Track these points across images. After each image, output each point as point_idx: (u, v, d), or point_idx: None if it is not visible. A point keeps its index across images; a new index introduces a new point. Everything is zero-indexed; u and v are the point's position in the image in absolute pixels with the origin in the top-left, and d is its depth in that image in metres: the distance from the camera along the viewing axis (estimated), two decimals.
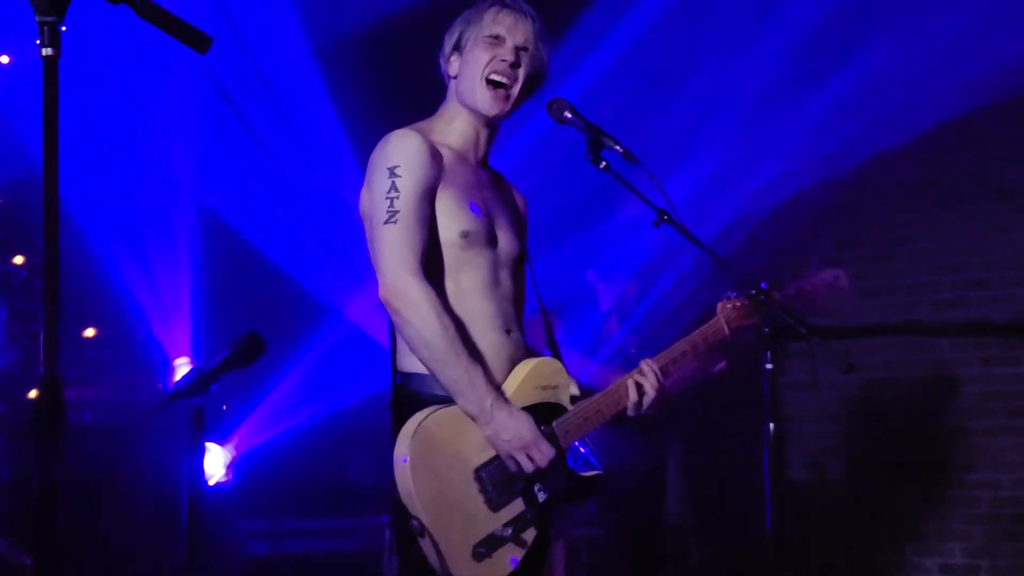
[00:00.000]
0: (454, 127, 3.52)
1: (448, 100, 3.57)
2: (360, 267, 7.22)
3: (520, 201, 3.73)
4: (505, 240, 3.50)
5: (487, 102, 3.48)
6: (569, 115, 3.48)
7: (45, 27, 2.17)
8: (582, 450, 5.32)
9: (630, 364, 3.60)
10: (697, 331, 3.65)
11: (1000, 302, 6.91)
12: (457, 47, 3.52)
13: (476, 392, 3.24)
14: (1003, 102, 6.72)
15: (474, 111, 3.50)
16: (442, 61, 3.58)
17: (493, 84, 3.47)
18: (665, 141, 6.93)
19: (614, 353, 6.02)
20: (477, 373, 3.25)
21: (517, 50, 3.49)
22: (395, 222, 3.26)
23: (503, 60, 3.47)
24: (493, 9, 3.52)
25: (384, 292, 3.27)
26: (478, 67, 3.47)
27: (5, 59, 6.85)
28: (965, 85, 6.63)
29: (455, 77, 3.52)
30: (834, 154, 7.00)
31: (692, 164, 7.03)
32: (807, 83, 7.03)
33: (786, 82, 7.04)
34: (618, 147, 3.45)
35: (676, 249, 6.34)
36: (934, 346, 7.09)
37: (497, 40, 3.48)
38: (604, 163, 3.50)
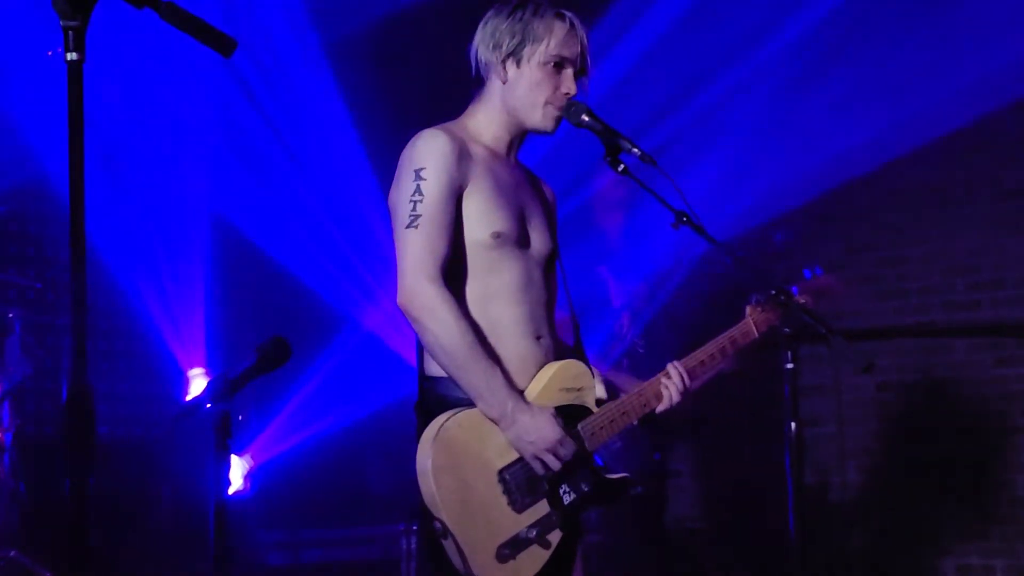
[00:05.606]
0: (490, 129, 3.45)
1: (486, 101, 3.47)
2: (375, 275, 7.23)
3: (550, 196, 3.68)
4: (538, 240, 3.45)
5: (548, 126, 3.44)
6: (587, 118, 3.41)
7: (70, 32, 2.15)
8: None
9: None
10: (725, 334, 3.61)
11: (1014, 303, 6.89)
12: (514, 56, 3.40)
13: (496, 397, 3.22)
14: (1016, 103, 6.70)
15: (521, 121, 3.45)
16: (486, 58, 3.44)
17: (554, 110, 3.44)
18: (672, 145, 6.92)
19: (623, 353, 5.98)
20: (496, 377, 3.22)
21: (576, 75, 3.44)
22: (416, 227, 3.23)
23: (566, 93, 3.41)
24: (559, 26, 3.41)
25: (402, 298, 3.24)
26: (541, 93, 3.40)
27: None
28: (977, 86, 6.61)
29: (505, 83, 3.42)
30: (845, 157, 6.98)
31: (700, 167, 7.01)
32: (817, 85, 7.00)
33: (796, 84, 7.01)
34: (636, 150, 3.38)
35: (687, 249, 6.33)
36: (948, 348, 7.06)
37: (560, 65, 3.41)
38: (622, 166, 3.46)
